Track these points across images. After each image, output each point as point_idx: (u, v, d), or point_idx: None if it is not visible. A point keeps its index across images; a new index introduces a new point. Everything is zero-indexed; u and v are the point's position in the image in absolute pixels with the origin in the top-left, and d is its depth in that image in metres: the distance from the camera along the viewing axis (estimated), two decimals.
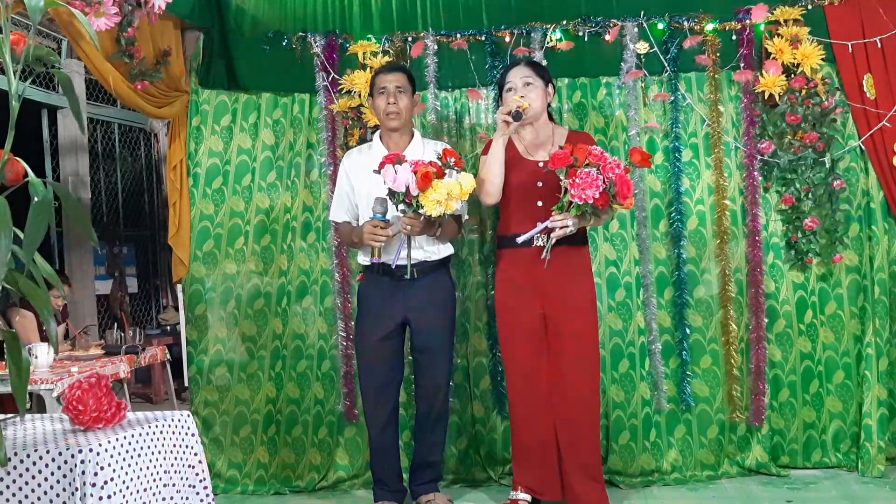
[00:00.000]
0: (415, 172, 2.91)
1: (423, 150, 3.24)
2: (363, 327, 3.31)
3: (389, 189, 2.96)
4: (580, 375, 3.15)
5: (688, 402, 3.66)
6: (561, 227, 2.99)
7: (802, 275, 3.70)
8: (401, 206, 3.00)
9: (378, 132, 3.37)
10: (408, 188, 2.92)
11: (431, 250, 3.23)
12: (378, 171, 3.01)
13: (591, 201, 2.88)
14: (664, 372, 3.67)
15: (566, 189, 2.93)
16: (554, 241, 3.03)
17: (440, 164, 2.98)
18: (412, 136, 3.32)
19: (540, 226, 3.01)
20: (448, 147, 3.20)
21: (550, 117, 3.33)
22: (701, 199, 3.69)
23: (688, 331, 3.66)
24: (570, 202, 2.93)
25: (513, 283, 3.19)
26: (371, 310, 3.27)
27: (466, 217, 3.40)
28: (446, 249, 3.29)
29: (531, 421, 3.19)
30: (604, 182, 2.88)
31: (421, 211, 2.96)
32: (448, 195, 2.93)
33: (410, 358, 3.39)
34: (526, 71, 3.20)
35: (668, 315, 3.68)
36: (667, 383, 3.67)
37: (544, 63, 3.63)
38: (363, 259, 3.28)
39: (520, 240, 3.05)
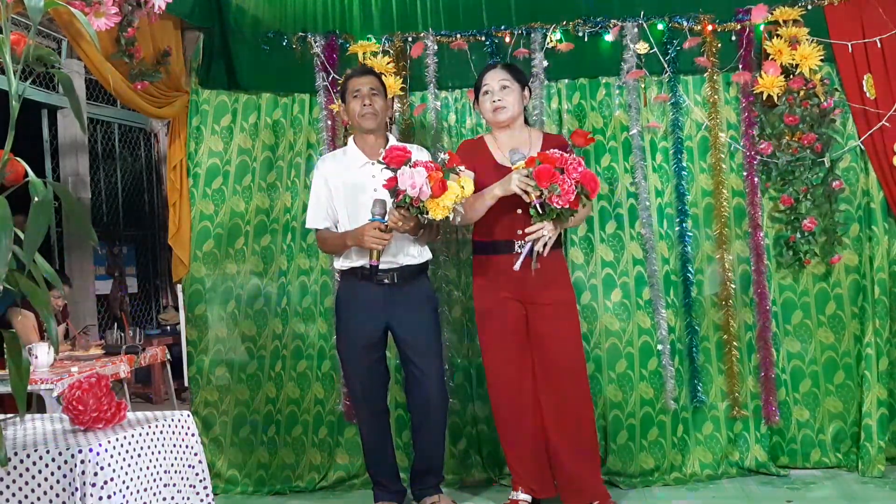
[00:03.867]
0: (429, 178, 2.89)
1: None
2: (345, 335, 3.27)
3: (395, 189, 2.92)
4: (567, 375, 3.15)
5: (701, 400, 3.66)
6: (543, 237, 2.97)
7: (801, 275, 3.70)
8: (401, 207, 2.96)
9: (352, 137, 3.34)
10: (420, 192, 2.89)
11: (413, 253, 3.21)
12: (382, 163, 2.97)
13: (567, 206, 2.89)
14: (672, 372, 3.66)
15: (542, 199, 2.91)
16: (544, 252, 3.01)
17: (443, 168, 2.96)
18: (387, 140, 3.30)
19: (526, 247, 2.99)
20: (449, 151, 3.19)
21: (526, 121, 3.33)
22: (695, 202, 3.69)
23: (687, 330, 3.67)
24: (543, 206, 2.92)
25: (493, 288, 3.17)
26: (352, 318, 3.23)
27: (459, 220, 3.37)
28: (427, 254, 3.28)
29: (519, 423, 3.19)
30: (573, 184, 2.88)
31: (427, 216, 2.95)
32: (455, 200, 2.92)
33: (400, 365, 3.38)
34: (503, 74, 3.19)
35: (666, 315, 3.68)
36: (670, 382, 3.67)
37: (545, 63, 3.64)
38: (343, 264, 3.24)
39: (516, 267, 2.99)
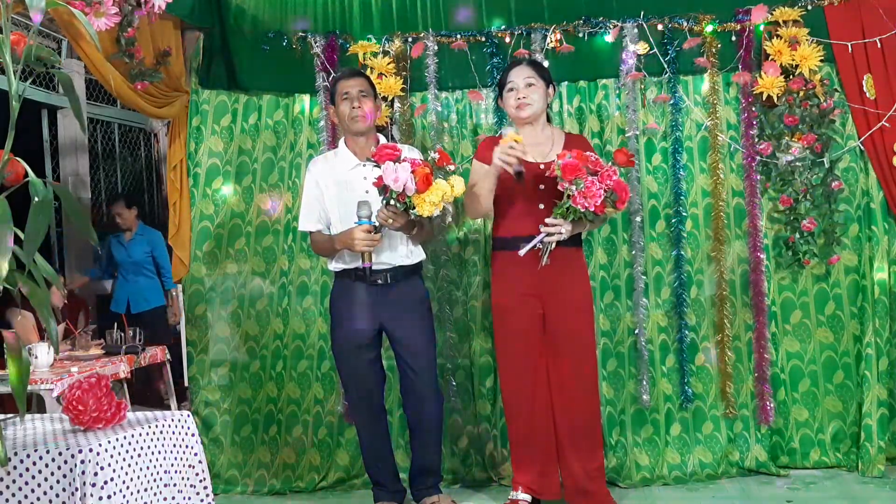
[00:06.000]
0: (414, 173, 2.90)
1: None
2: (339, 336, 3.26)
3: (384, 185, 2.93)
4: (579, 375, 3.16)
5: (689, 399, 3.67)
6: (556, 234, 2.99)
7: (800, 275, 3.70)
8: (390, 203, 2.95)
9: (343, 139, 3.34)
10: (405, 187, 2.91)
11: (406, 253, 3.21)
12: (372, 160, 2.97)
13: (592, 209, 2.89)
14: (661, 371, 3.68)
15: (568, 195, 2.93)
16: (553, 246, 3.03)
17: (433, 166, 2.96)
18: (377, 141, 3.30)
19: (537, 237, 3.00)
20: (439, 148, 3.19)
21: (548, 119, 3.33)
22: (695, 202, 3.70)
23: (685, 330, 3.67)
24: (569, 207, 2.94)
25: (512, 284, 3.18)
26: (346, 318, 3.22)
27: (450, 220, 3.37)
28: (419, 254, 3.28)
29: (530, 422, 3.19)
30: (604, 191, 2.89)
31: (413, 211, 2.95)
32: (442, 197, 2.92)
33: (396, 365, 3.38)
34: (528, 71, 3.20)
35: (664, 315, 3.69)
36: (664, 382, 3.68)
37: (545, 65, 3.64)
38: (336, 265, 3.23)
39: (521, 252, 3.01)
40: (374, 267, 3.09)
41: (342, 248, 3.14)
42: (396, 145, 3.07)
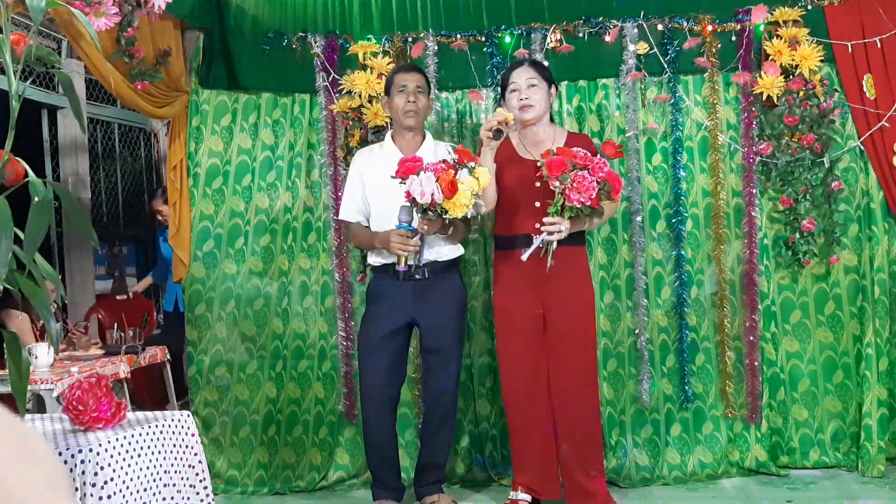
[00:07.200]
0: (439, 181, 2.90)
1: (436, 151, 3.25)
2: (370, 322, 3.30)
3: (413, 198, 2.95)
4: (579, 375, 3.16)
5: (689, 399, 3.67)
6: (556, 232, 2.99)
7: (799, 275, 3.70)
8: (425, 212, 2.98)
9: (390, 132, 3.36)
10: (433, 197, 2.92)
11: (444, 251, 3.23)
12: (396, 177, 3.00)
13: (588, 203, 2.89)
14: (661, 371, 3.68)
15: (561, 192, 2.93)
16: (554, 246, 3.03)
17: (455, 164, 2.97)
18: (424, 137, 3.33)
19: (538, 239, 3.00)
20: (460, 146, 3.21)
21: (551, 118, 3.33)
22: (695, 202, 3.70)
23: (686, 330, 3.68)
24: (564, 205, 2.94)
25: (512, 284, 3.18)
26: (381, 305, 3.27)
27: (483, 210, 3.38)
28: (457, 250, 3.30)
29: (531, 422, 3.19)
30: (597, 183, 2.89)
31: (446, 216, 2.97)
32: (471, 194, 2.94)
33: (419, 360, 3.39)
34: (531, 72, 3.20)
35: (664, 315, 3.69)
36: (664, 382, 3.68)
37: (545, 65, 3.64)
38: (376, 259, 3.27)
39: (524, 257, 3.01)
40: (411, 262, 3.11)
41: (381, 248, 3.18)
42: (416, 155, 3.09)
